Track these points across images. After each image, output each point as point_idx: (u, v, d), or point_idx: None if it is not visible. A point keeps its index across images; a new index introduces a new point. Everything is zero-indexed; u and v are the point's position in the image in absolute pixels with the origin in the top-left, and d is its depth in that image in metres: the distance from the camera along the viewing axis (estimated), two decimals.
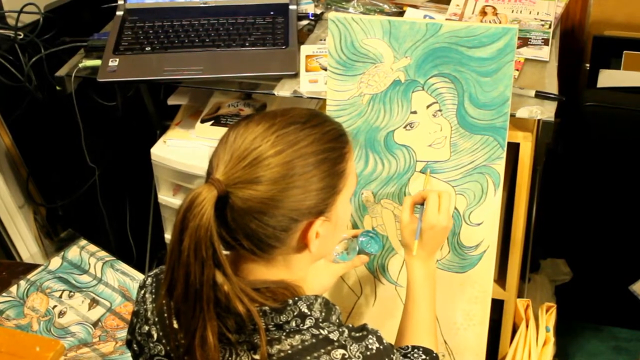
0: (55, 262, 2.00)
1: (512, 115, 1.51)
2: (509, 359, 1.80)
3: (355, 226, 1.59)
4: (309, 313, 1.04)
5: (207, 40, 1.81)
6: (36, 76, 1.96)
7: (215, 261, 0.96)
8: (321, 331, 1.03)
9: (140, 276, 1.95)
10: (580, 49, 2.27)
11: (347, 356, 1.02)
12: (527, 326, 1.82)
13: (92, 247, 2.04)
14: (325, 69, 1.63)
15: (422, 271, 1.36)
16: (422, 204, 1.38)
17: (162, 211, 2.05)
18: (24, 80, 1.94)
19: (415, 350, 1.26)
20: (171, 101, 2.03)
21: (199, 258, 0.95)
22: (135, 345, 1.15)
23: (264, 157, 0.99)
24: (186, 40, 1.81)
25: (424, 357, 1.25)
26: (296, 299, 1.04)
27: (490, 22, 1.84)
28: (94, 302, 1.89)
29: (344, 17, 1.46)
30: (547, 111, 1.55)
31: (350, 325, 1.08)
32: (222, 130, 1.06)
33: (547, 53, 1.72)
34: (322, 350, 1.01)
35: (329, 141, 1.04)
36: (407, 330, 1.32)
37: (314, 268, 1.16)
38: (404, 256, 1.58)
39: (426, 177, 1.50)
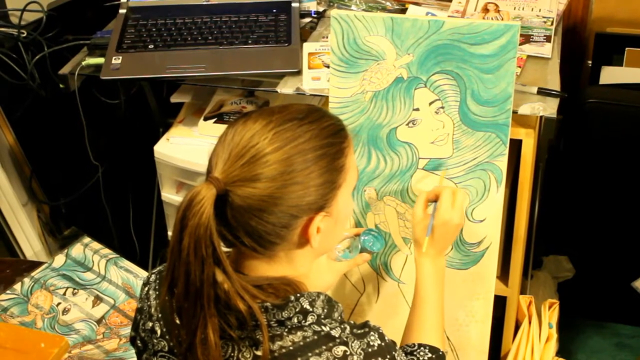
0: (59, 259, 2.01)
1: (515, 112, 1.51)
2: (511, 355, 1.81)
3: (358, 224, 1.60)
4: (310, 309, 1.04)
5: (210, 38, 1.81)
6: (39, 74, 1.96)
7: (215, 259, 0.97)
8: (323, 328, 1.03)
9: (143, 273, 1.96)
10: (583, 45, 2.27)
11: (348, 353, 1.02)
12: (529, 323, 1.83)
13: (96, 245, 2.05)
14: (328, 67, 1.63)
15: (431, 269, 1.34)
16: (436, 202, 1.38)
17: (165, 209, 2.05)
18: (27, 78, 1.94)
19: (422, 348, 1.25)
20: (174, 99, 2.03)
21: (199, 256, 0.95)
22: (139, 342, 1.15)
23: (262, 154, 0.99)
24: (189, 38, 1.82)
25: (430, 355, 1.24)
26: (298, 295, 1.04)
27: (492, 19, 1.84)
28: (97, 300, 1.90)
29: (346, 15, 1.46)
30: (549, 108, 1.55)
31: (352, 322, 1.08)
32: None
33: (549, 50, 1.72)
34: (324, 347, 1.02)
35: (327, 136, 1.04)
36: (414, 328, 1.31)
37: (316, 266, 1.16)
38: (407, 253, 1.60)
39: (442, 176, 1.50)
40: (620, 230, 2.13)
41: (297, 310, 1.03)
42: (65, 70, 1.84)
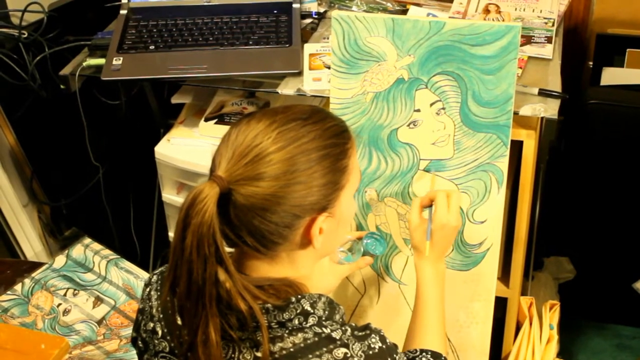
0: (60, 260, 2.01)
1: (516, 113, 1.51)
2: (512, 356, 1.80)
3: (359, 224, 1.60)
4: (312, 311, 1.04)
5: (211, 38, 1.81)
6: (40, 75, 1.96)
7: (218, 258, 0.97)
8: (324, 329, 1.03)
9: (144, 274, 1.96)
10: (584, 46, 2.27)
11: (349, 355, 1.02)
12: (530, 324, 1.82)
13: (97, 246, 2.05)
14: (329, 67, 1.63)
15: (432, 273, 1.34)
16: (431, 206, 1.38)
17: (166, 209, 2.05)
18: (28, 79, 1.94)
19: (424, 353, 1.25)
20: (175, 100, 2.03)
21: (202, 255, 0.96)
22: (140, 343, 1.15)
23: (265, 153, 0.99)
24: (190, 39, 1.82)
25: None
26: (299, 296, 1.04)
27: (493, 20, 1.84)
28: (98, 300, 1.90)
29: (347, 16, 1.46)
30: (550, 109, 1.55)
31: (353, 324, 1.08)
32: (226, 129, 1.07)
33: (550, 51, 1.72)
34: (325, 349, 1.02)
35: (331, 137, 1.04)
36: (416, 333, 1.31)
37: (319, 269, 1.16)
38: (408, 254, 1.60)
39: (432, 178, 1.50)
40: (621, 231, 2.13)
41: (298, 311, 1.03)
42: (66, 71, 1.84)
